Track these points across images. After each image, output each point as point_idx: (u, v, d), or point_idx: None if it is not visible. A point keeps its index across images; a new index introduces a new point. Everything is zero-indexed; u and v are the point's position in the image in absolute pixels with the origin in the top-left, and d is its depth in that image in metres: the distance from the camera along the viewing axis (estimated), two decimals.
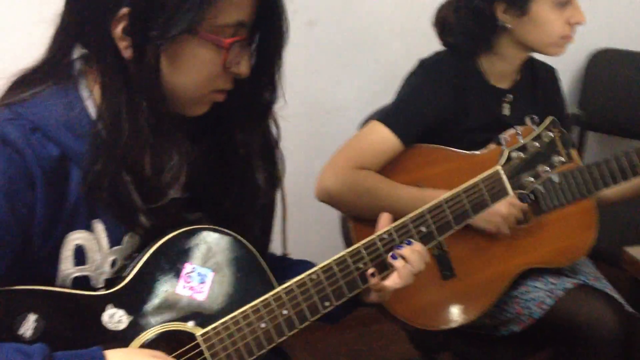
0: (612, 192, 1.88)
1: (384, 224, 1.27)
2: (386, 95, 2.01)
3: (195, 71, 1.07)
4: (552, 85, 1.94)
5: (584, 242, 1.81)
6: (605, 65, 2.67)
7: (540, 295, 1.73)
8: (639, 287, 2.40)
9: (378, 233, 1.25)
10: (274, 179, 1.23)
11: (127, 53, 1.04)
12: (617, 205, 1.99)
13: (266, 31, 1.10)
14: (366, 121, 1.98)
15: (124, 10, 1.02)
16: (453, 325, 1.68)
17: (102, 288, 1.12)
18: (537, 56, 1.88)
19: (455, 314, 1.68)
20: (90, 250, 1.10)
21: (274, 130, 1.22)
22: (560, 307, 1.70)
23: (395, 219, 1.29)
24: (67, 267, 1.09)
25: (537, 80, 1.90)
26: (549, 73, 1.95)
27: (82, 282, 1.11)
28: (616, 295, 1.78)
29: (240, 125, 1.18)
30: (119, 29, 1.03)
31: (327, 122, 2.41)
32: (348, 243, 1.75)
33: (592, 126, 2.68)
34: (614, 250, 1.85)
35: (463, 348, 1.85)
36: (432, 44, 1.86)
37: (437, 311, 1.68)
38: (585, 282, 1.79)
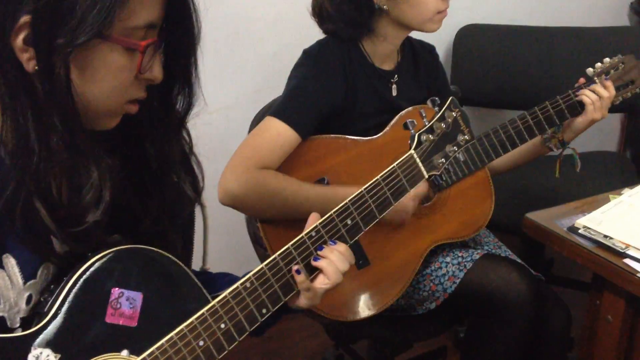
0: (499, 162, 1.94)
1: (311, 222, 1.24)
2: (272, 90, 1.97)
3: (108, 79, 0.98)
4: (433, 63, 1.96)
5: (485, 212, 1.85)
6: (470, 40, 2.75)
7: (451, 270, 1.76)
8: (534, 252, 2.52)
9: (306, 231, 1.21)
10: (196, 190, 1.17)
11: (30, 66, 0.94)
12: (506, 175, 2.05)
13: (176, 32, 1.03)
14: (256, 118, 1.93)
15: (25, 18, 0.92)
16: (373, 312, 1.66)
17: (18, 328, 1.03)
18: (415, 35, 1.90)
19: (375, 300, 1.67)
20: (3, 289, 1.00)
21: (186, 137, 1.15)
22: (470, 277, 1.73)
23: (305, 218, 1.26)
24: None
25: (417, 60, 1.91)
26: (428, 51, 1.96)
27: None
28: (518, 260, 1.84)
29: (151, 138, 1.10)
30: (19, 40, 0.93)
31: (213, 122, 2.33)
32: (257, 244, 1.70)
33: (465, 100, 2.75)
34: (512, 218, 1.91)
35: (381, 332, 1.84)
36: (309, 34, 1.83)
37: (357, 301, 1.66)
38: (489, 251, 1.84)
